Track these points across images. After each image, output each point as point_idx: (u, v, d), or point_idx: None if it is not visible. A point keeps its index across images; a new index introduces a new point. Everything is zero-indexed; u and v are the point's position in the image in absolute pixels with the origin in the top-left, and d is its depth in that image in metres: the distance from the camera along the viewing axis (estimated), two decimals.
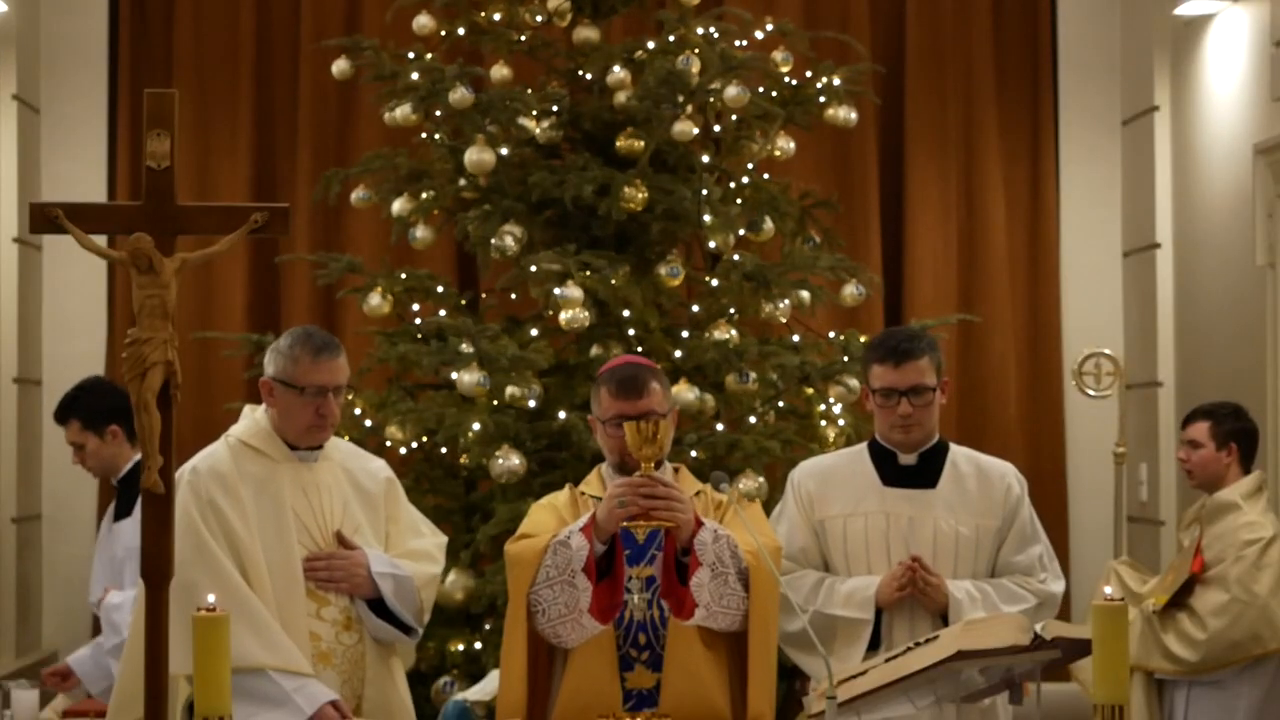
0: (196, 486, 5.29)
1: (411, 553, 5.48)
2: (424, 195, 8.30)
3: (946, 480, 5.42)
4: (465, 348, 7.69)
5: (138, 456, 6.61)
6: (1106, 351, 8.79)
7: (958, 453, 5.50)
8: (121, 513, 6.75)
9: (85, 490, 9.41)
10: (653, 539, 5.18)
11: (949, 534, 5.38)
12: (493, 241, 7.96)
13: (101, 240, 5.01)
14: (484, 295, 8.84)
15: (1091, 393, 8.73)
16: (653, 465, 4.99)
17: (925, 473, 5.43)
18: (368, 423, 7.99)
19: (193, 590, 5.04)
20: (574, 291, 7.66)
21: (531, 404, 7.74)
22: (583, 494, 5.33)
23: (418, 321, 8.17)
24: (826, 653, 5.00)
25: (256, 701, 5.12)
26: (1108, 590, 4.45)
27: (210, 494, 5.29)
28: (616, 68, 8.13)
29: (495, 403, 7.75)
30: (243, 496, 5.30)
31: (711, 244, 8.23)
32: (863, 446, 5.53)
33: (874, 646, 5.31)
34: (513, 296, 8.46)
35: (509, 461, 7.53)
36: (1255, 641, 6.92)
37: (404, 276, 8.25)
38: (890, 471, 5.43)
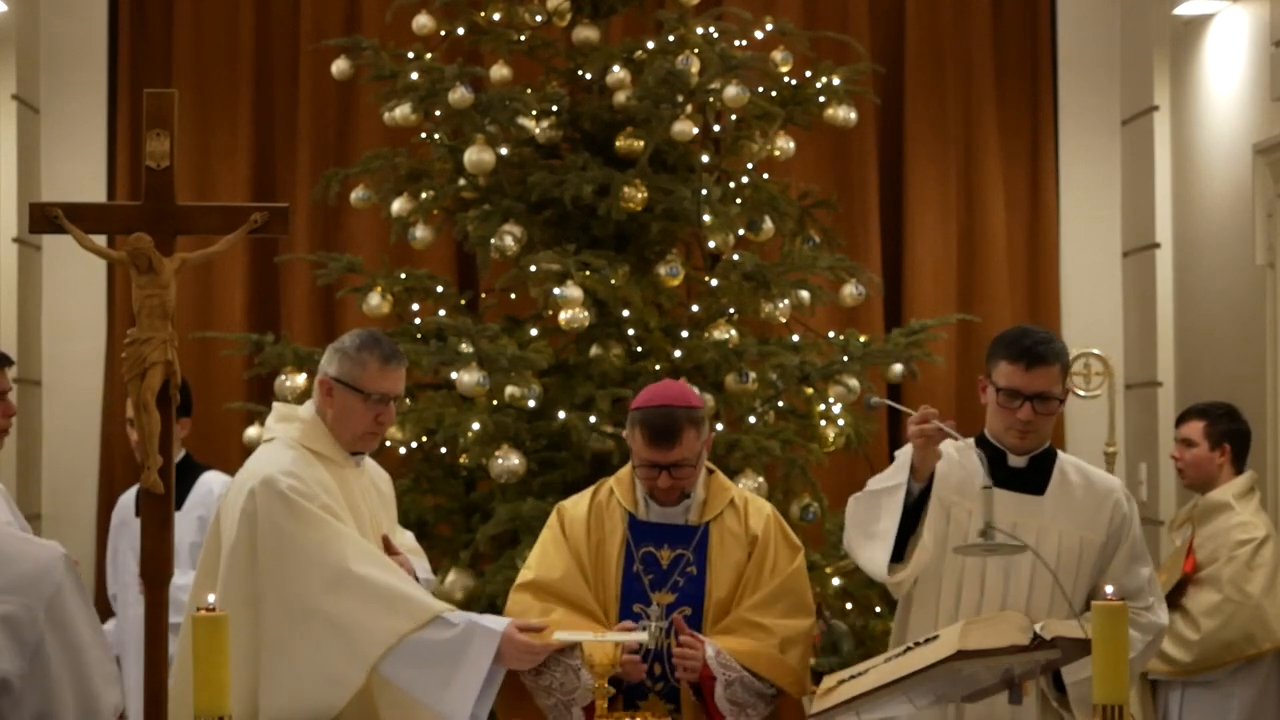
0: (303, 491, 4.98)
1: (411, 549, 5.46)
2: (424, 195, 8.30)
3: (1054, 488, 5.21)
4: (465, 348, 7.69)
5: (183, 452, 6.58)
6: (1095, 351, 8.79)
7: (1066, 461, 5.29)
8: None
9: (85, 490, 9.41)
10: (676, 565, 5.20)
11: (1052, 545, 5.16)
12: (492, 241, 7.96)
13: (101, 240, 5.01)
14: (484, 295, 8.84)
15: (1081, 393, 8.73)
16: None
17: (1033, 477, 5.23)
18: None
19: (345, 580, 4.90)
20: (574, 291, 7.66)
21: (531, 404, 7.74)
22: (611, 493, 5.33)
23: (417, 321, 8.17)
24: (875, 533, 5.01)
25: (436, 662, 4.89)
26: (1108, 590, 4.45)
27: (323, 501, 5.02)
28: (616, 68, 8.13)
29: (495, 403, 7.75)
30: (340, 502, 5.09)
31: (711, 244, 8.23)
32: (970, 442, 5.21)
33: (915, 517, 5.05)
34: (512, 296, 8.46)
35: (509, 461, 7.53)
36: (1248, 641, 6.92)
37: (404, 276, 8.25)
38: (998, 472, 5.15)
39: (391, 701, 4.97)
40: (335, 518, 5.00)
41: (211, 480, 7.15)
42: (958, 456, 5.23)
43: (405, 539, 5.53)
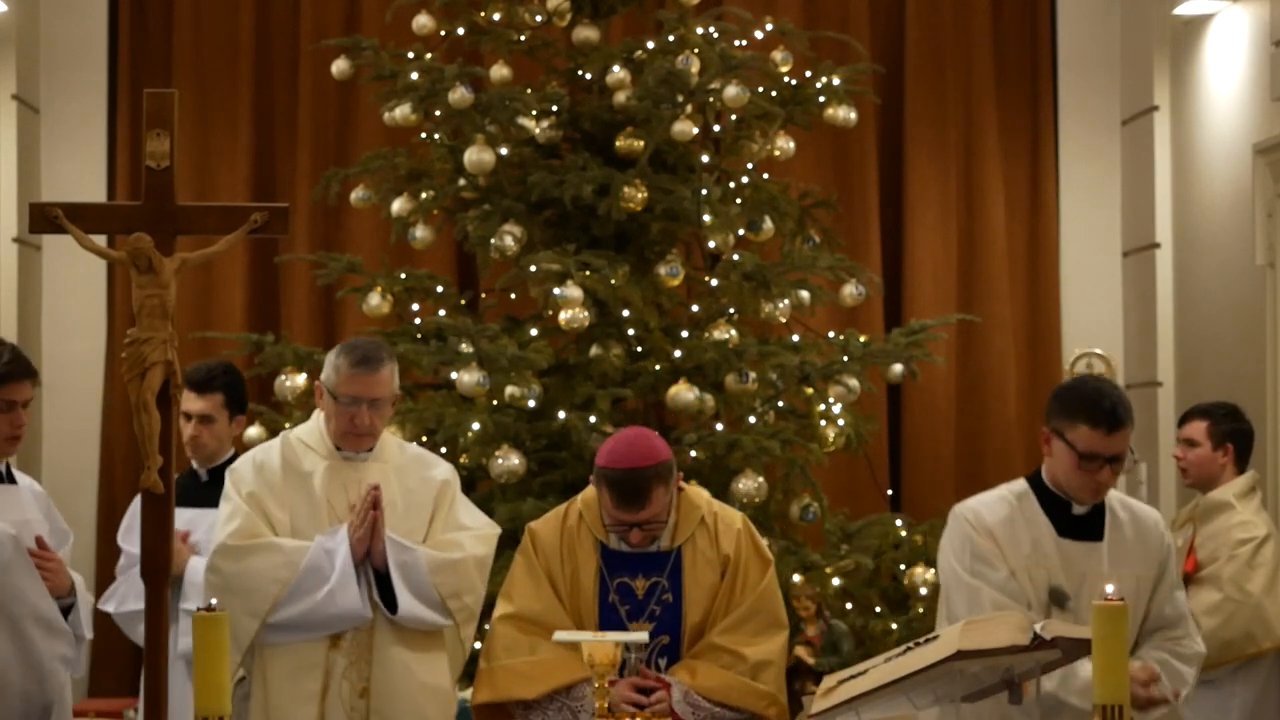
0: (237, 475, 5.52)
1: (436, 543, 5.52)
2: (424, 195, 8.30)
3: (1110, 531, 5.24)
4: (465, 348, 7.69)
5: (232, 451, 6.61)
6: (1098, 351, 8.79)
7: (1113, 498, 5.30)
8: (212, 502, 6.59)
9: (85, 490, 9.41)
10: (651, 593, 5.18)
11: (1115, 591, 5.06)
12: (492, 241, 7.96)
13: (101, 240, 5.02)
14: (484, 295, 8.84)
15: None
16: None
17: (1092, 522, 5.24)
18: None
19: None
20: (574, 291, 7.66)
21: (531, 404, 7.74)
22: (581, 518, 5.29)
23: (417, 321, 8.17)
24: None
25: (318, 591, 5.34)
26: (1108, 590, 4.45)
27: (252, 485, 5.47)
28: (616, 68, 8.13)
29: (495, 403, 7.75)
30: (279, 487, 5.46)
31: (711, 244, 8.24)
32: (1025, 489, 5.24)
33: None
34: (512, 296, 8.46)
35: (509, 461, 7.53)
36: (1248, 640, 6.91)
37: (404, 276, 8.25)
38: (1062, 521, 5.20)
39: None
40: (252, 503, 5.44)
41: None
42: (1017, 504, 5.22)
43: (442, 536, 5.56)
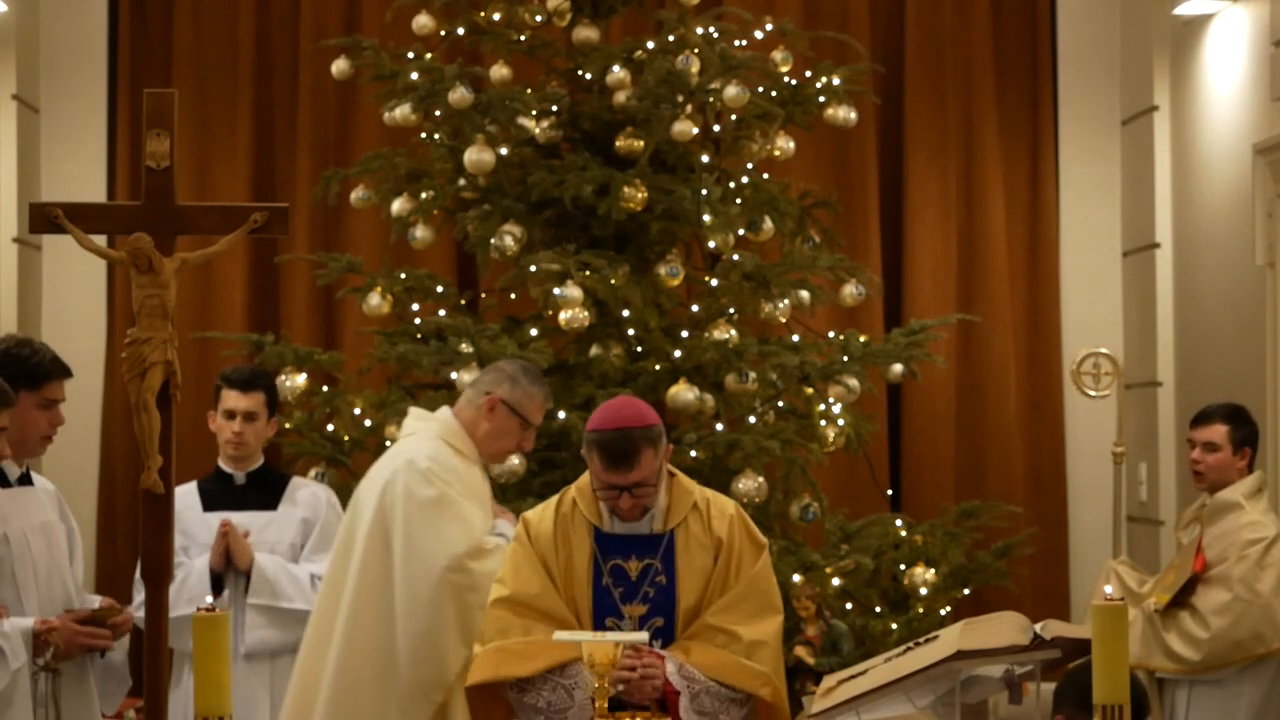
0: (439, 474, 5.66)
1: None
2: (424, 195, 8.30)
3: None
4: (465, 348, 7.69)
5: (263, 458, 6.63)
6: (1104, 351, 8.76)
7: None
8: (262, 503, 6.64)
9: (85, 489, 9.41)
10: (645, 576, 5.19)
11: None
12: (492, 241, 7.96)
13: (101, 240, 5.02)
14: (484, 295, 8.85)
15: (1090, 393, 8.71)
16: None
17: None
18: (368, 423, 8.00)
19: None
20: (574, 291, 7.66)
21: None
22: (574, 505, 5.32)
23: (417, 321, 8.18)
24: None
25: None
26: (1108, 590, 4.45)
27: (460, 488, 5.69)
28: (616, 68, 8.13)
29: None
30: (472, 495, 5.74)
31: (711, 244, 8.24)
32: None
33: None
34: (512, 296, 8.46)
35: (509, 461, 7.52)
36: (1257, 641, 6.91)
37: (403, 276, 8.25)
38: None
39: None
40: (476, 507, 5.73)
41: (314, 486, 6.99)
42: None
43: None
